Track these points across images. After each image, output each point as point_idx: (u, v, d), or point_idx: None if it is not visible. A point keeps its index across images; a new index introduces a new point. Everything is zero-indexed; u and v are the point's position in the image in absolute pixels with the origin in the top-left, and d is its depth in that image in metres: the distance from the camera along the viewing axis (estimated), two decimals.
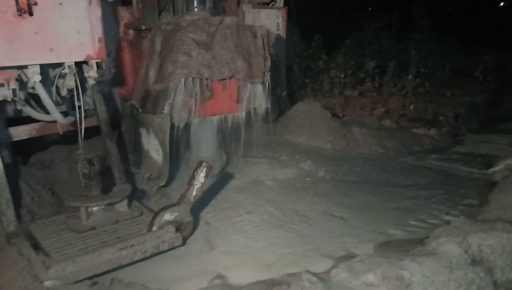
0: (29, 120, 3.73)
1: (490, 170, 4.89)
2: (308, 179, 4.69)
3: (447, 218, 3.76)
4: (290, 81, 6.59)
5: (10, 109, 3.74)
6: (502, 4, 15.38)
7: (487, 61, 7.75)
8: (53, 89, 3.53)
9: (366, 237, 3.49)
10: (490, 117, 7.06)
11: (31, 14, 3.12)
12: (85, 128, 3.50)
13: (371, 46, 8.84)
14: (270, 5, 5.68)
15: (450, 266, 2.64)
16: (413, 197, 4.24)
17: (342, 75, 6.89)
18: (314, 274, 2.80)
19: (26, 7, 3.08)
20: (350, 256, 3.11)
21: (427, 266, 2.64)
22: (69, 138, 4.26)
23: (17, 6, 3.04)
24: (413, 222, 3.74)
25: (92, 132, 4.01)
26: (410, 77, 6.76)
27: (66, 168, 4.39)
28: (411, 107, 6.79)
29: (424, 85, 6.77)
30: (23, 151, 4.47)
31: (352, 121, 6.27)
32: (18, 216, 3.31)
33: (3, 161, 3.27)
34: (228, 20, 4.10)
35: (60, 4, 3.23)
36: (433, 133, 6.30)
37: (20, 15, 3.07)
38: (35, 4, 3.11)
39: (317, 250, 3.30)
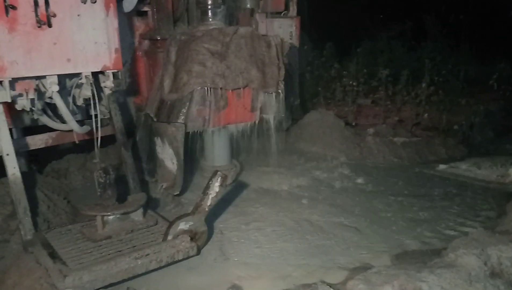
0: (44, 129, 3.78)
1: (506, 180, 4.81)
2: (322, 188, 4.67)
3: (464, 229, 3.70)
4: (303, 90, 6.58)
5: (27, 118, 3.80)
6: None
7: (502, 69, 7.67)
8: (70, 98, 3.58)
9: (382, 248, 3.44)
10: (505, 126, 6.97)
11: (50, 25, 3.18)
12: (100, 137, 3.53)
13: (383, 54, 8.81)
14: (282, 14, 5.70)
15: (470, 279, 2.60)
16: (429, 208, 4.19)
17: (354, 84, 6.87)
18: (330, 285, 2.79)
19: (45, 19, 3.14)
20: (366, 267, 3.09)
21: (446, 278, 2.61)
22: (83, 146, 4.31)
23: (37, 18, 3.10)
24: (429, 233, 3.69)
25: (106, 141, 4.04)
26: (423, 85, 6.71)
27: (81, 176, 4.43)
28: (425, 115, 6.73)
29: (438, 93, 6.71)
30: (38, 159, 4.52)
31: (366, 130, 6.22)
32: (35, 224, 3.34)
33: (20, 170, 3.31)
34: (242, 30, 4.12)
35: (78, 15, 3.28)
36: (448, 142, 6.23)
37: (39, 27, 3.12)
38: (54, 15, 3.17)
39: (332, 261, 3.27)
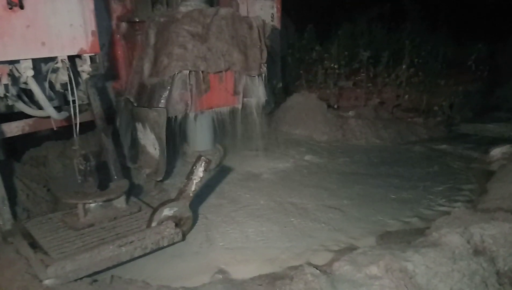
0: (21, 116, 3.65)
1: (487, 159, 4.90)
2: (305, 171, 4.67)
3: (446, 208, 3.76)
4: (285, 73, 6.54)
5: (1, 105, 3.66)
6: None
7: (479, 50, 7.76)
8: (46, 84, 3.46)
9: (367, 229, 3.47)
10: (483, 106, 7.09)
11: (22, 7, 3.04)
12: (79, 123, 3.43)
13: (363, 36, 8.81)
14: None
15: (453, 257, 2.63)
16: (411, 188, 4.24)
17: (335, 66, 6.86)
18: (317, 267, 2.79)
19: (17, 0, 2.99)
20: (351, 248, 3.11)
21: (430, 257, 2.64)
22: (62, 133, 4.20)
23: None
24: (412, 213, 3.74)
25: (85, 127, 3.93)
26: (404, 67, 6.75)
27: (60, 164, 4.31)
28: (406, 97, 6.79)
29: (418, 75, 6.77)
30: (15, 147, 4.38)
31: (348, 112, 6.24)
32: (14, 214, 3.26)
33: None
34: (223, 11, 4.03)
35: None
36: (429, 123, 6.31)
37: (10, 8, 2.99)
38: None
39: (318, 243, 3.28)
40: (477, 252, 2.75)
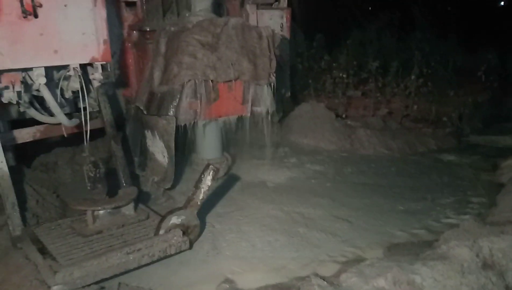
0: (32, 122, 3.70)
1: (496, 171, 4.86)
2: (313, 180, 4.66)
3: (455, 221, 3.73)
4: (294, 82, 6.56)
5: (13, 111, 3.72)
6: (502, 3, 15.38)
7: (489, 60, 7.72)
8: (58, 91, 3.51)
9: (375, 240, 3.45)
10: (493, 116, 7.04)
11: (36, 16, 3.10)
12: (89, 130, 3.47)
13: (372, 45, 8.81)
14: (273, 5, 5.64)
15: (462, 270, 2.61)
16: (419, 199, 4.22)
17: (344, 75, 6.86)
18: (324, 278, 2.79)
19: (31, 9, 3.05)
20: (359, 260, 3.10)
21: (439, 270, 2.62)
22: (72, 139, 4.23)
23: (22, 8, 3.02)
24: (421, 225, 3.71)
25: (95, 134, 3.97)
26: (413, 77, 6.73)
27: (70, 170, 4.35)
28: (415, 107, 6.76)
29: (427, 85, 6.74)
30: (26, 153, 4.43)
31: (356, 122, 6.24)
32: (24, 219, 3.28)
33: (7, 164, 3.24)
34: (233, 21, 4.07)
35: (65, 5, 3.21)
36: (438, 133, 6.27)
37: (25, 17, 3.04)
38: (40, 5, 3.09)
39: (325, 253, 3.27)
40: (486, 266, 2.72)
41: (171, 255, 3.10)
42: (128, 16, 4.49)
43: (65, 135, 3.72)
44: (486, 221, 3.46)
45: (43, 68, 3.22)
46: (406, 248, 3.30)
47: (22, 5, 3.02)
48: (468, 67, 7.92)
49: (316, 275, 2.86)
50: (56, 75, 3.48)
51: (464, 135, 6.38)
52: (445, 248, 2.89)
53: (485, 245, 2.85)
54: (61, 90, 3.54)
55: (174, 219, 3.19)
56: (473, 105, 6.75)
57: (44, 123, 3.71)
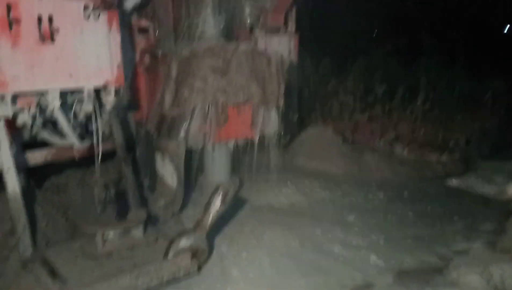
0: (42, 144, 3.74)
1: (505, 198, 4.84)
2: (321, 205, 4.66)
3: (464, 247, 3.70)
4: (301, 106, 6.61)
5: (26, 134, 3.76)
6: (506, 30, 15.49)
7: (496, 86, 7.75)
8: (71, 114, 3.56)
9: (384, 266, 3.43)
10: (501, 143, 7.02)
11: (53, 40, 3.17)
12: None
13: (379, 70, 8.89)
14: (281, 31, 5.73)
15: None
16: (428, 225, 4.20)
17: (351, 100, 6.91)
18: None
19: (48, 34, 3.13)
20: (368, 286, 3.08)
21: None
22: (82, 161, 4.27)
23: (40, 33, 3.10)
24: (431, 251, 3.68)
25: (105, 156, 4.00)
26: (419, 102, 6.77)
27: (80, 192, 4.37)
28: (421, 132, 6.77)
29: (433, 110, 6.77)
30: (36, 174, 4.47)
31: (363, 146, 6.25)
32: (34, 241, 3.29)
33: (19, 186, 3.28)
34: (243, 46, 4.16)
35: (81, 31, 3.29)
36: (445, 159, 6.26)
37: (42, 42, 3.12)
38: (57, 31, 3.17)
39: (334, 279, 3.26)
40: None
41: (179, 278, 3.10)
42: (141, 41, 4.57)
43: (76, 159, 3.76)
44: (496, 248, 3.44)
45: (58, 91, 3.29)
46: (416, 274, 3.28)
47: (40, 30, 3.10)
48: (475, 93, 7.95)
49: None
50: (69, 98, 3.54)
51: (471, 160, 6.36)
52: (455, 275, 2.89)
53: (496, 272, 2.84)
54: (74, 113, 3.59)
55: (183, 242, 3.20)
56: (480, 131, 6.76)
57: (55, 145, 3.76)
